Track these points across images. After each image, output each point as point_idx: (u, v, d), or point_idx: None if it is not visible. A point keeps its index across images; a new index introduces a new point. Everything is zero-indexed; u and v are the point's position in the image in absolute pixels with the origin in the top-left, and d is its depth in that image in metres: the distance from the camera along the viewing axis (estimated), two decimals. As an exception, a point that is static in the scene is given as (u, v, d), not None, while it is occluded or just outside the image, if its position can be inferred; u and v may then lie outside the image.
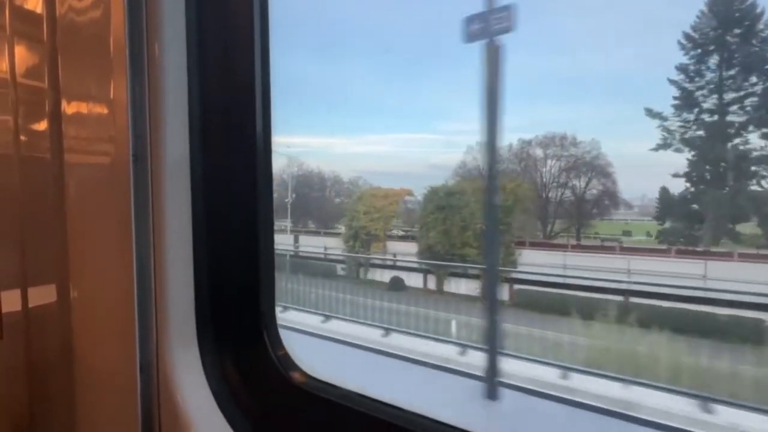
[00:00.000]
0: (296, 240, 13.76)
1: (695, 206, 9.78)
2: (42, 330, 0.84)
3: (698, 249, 9.62)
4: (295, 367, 0.68)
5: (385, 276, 10.99)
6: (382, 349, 6.70)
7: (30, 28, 0.83)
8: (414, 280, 10.49)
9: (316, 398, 0.64)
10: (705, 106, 9.23)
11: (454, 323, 7.98)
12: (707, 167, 9.51)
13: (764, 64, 8.89)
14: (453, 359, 6.28)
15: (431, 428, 0.58)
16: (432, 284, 10.39)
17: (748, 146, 8.89)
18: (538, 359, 5.87)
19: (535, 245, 11.69)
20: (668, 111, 9.59)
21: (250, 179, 0.66)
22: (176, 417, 0.63)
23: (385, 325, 7.71)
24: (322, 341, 6.03)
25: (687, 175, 9.76)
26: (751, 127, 8.80)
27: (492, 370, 4.71)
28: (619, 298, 7.78)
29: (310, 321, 7.76)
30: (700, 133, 9.46)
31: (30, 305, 0.87)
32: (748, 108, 8.77)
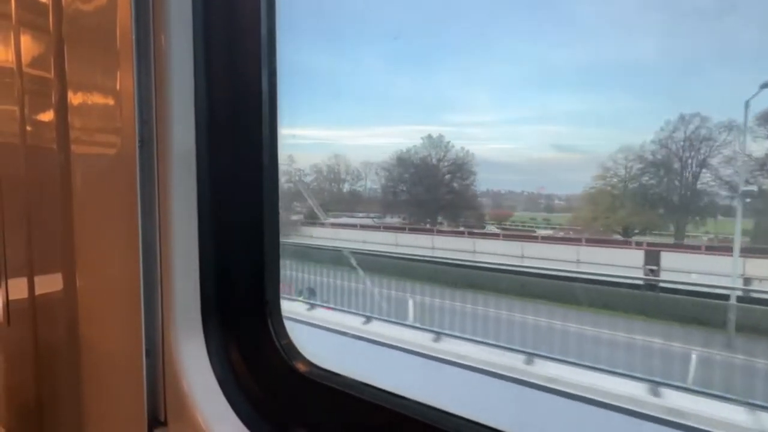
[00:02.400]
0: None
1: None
2: (48, 316, 0.86)
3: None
4: (299, 356, 0.69)
5: None
6: None
7: (36, 17, 0.84)
8: None
9: (319, 386, 0.66)
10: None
11: None
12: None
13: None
14: None
15: (433, 417, 0.58)
16: None
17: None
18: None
19: None
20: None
21: (255, 169, 0.67)
22: (181, 401, 0.65)
23: None
24: None
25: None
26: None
27: None
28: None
29: None
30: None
31: (36, 293, 0.89)
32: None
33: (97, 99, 0.72)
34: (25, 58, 0.87)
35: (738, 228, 7.14)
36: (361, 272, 7.92)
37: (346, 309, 7.63)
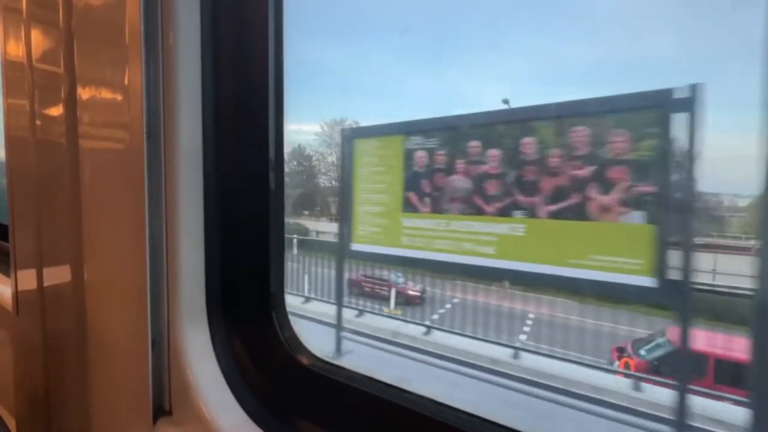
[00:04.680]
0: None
1: None
2: (57, 307, 0.87)
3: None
4: (303, 349, 0.70)
5: None
6: None
7: (46, 12, 0.85)
8: None
9: (322, 378, 0.67)
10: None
11: None
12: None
13: None
14: None
15: (438, 411, 0.59)
16: None
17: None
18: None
19: None
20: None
21: (262, 164, 0.68)
22: (186, 390, 0.66)
23: None
24: None
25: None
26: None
27: None
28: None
29: None
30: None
31: (45, 284, 0.90)
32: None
33: (105, 94, 0.73)
34: (36, 52, 0.88)
35: None
36: None
37: None
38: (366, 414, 0.63)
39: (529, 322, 5.57)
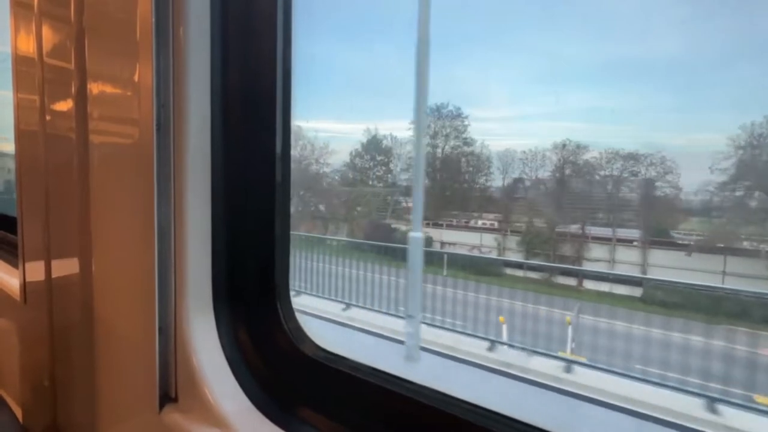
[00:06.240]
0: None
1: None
2: (64, 296, 0.89)
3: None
4: (306, 339, 0.72)
5: None
6: None
7: (57, 7, 0.86)
8: None
9: (324, 368, 0.68)
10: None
11: None
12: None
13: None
14: None
15: (442, 401, 0.60)
16: None
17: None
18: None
19: None
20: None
21: (268, 158, 0.70)
22: (191, 378, 0.68)
23: None
24: None
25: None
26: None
27: None
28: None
29: None
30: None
31: (53, 276, 0.92)
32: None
33: (116, 89, 0.75)
34: (46, 47, 0.90)
35: None
36: None
37: None
38: (368, 403, 0.65)
39: None
